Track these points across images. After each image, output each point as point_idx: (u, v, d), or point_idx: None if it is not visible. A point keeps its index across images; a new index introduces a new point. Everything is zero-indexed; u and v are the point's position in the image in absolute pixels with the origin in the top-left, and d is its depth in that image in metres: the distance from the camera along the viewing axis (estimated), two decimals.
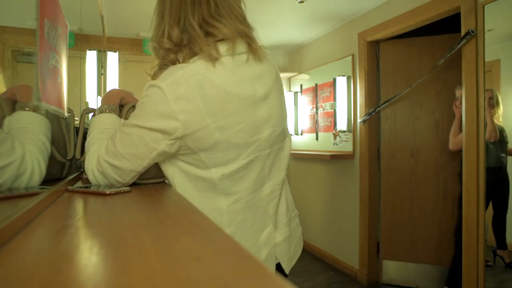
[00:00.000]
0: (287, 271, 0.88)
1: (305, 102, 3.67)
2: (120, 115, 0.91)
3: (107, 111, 0.88)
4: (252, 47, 0.80)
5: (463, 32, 1.95)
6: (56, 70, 0.77)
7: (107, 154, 0.76)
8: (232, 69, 0.76)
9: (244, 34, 0.79)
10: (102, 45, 2.82)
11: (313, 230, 3.46)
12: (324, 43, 3.32)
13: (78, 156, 0.91)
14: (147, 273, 0.27)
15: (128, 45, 3.24)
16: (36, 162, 0.65)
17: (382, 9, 2.58)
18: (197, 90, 0.70)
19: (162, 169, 0.83)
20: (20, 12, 0.90)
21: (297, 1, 2.50)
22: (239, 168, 0.78)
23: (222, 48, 0.75)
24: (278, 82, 0.87)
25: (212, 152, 0.74)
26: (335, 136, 3.15)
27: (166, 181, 0.88)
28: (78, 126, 0.97)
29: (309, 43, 3.55)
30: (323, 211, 3.34)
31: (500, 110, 1.95)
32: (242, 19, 0.80)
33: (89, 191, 0.69)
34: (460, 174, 2.37)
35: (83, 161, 0.84)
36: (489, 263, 1.99)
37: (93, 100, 2.30)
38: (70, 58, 0.95)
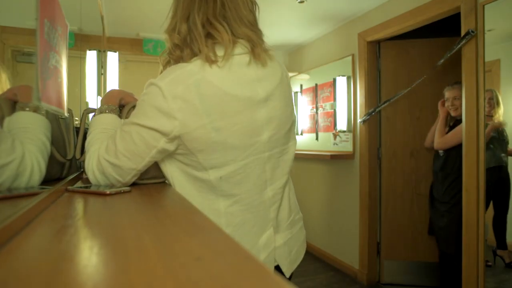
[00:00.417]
0: (287, 275, 0.86)
1: (305, 102, 3.67)
2: (120, 116, 0.91)
3: (107, 111, 0.88)
4: (255, 51, 0.78)
5: (463, 32, 1.95)
6: (56, 70, 0.76)
7: (107, 153, 0.76)
8: (232, 71, 0.75)
9: (248, 38, 0.78)
10: (102, 45, 2.82)
11: (313, 230, 3.46)
12: (324, 43, 3.32)
13: (78, 156, 0.91)
14: (147, 273, 0.27)
15: (128, 45, 3.24)
16: (36, 162, 0.65)
17: (382, 9, 2.58)
18: (195, 89, 0.70)
19: (162, 169, 0.83)
20: (20, 12, 0.90)
21: (297, 1, 2.50)
22: (236, 170, 0.77)
23: (220, 52, 0.75)
24: (283, 85, 0.86)
25: (209, 153, 0.74)
26: (335, 136, 3.15)
27: (166, 181, 0.88)
28: (78, 126, 0.97)
29: (309, 43, 3.55)
30: (323, 211, 3.34)
31: (501, 110, 1.95)
32: (248, 23, 0.79)
33: (89, 191, 0.69)
34: (435, 172, 2.38)
35: (83, 161, 0.84)
36: (489, 263, 1.99)
37: (93, 100, 2.30)
38: (70, 58, 0.95)
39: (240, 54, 0.77)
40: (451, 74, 2.48)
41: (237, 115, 0.74)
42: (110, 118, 0.87)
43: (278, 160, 0.85)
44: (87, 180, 0.85)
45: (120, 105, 0.93)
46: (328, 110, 3.25)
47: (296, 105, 3.77)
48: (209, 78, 0.72)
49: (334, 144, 3.17)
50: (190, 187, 0.79)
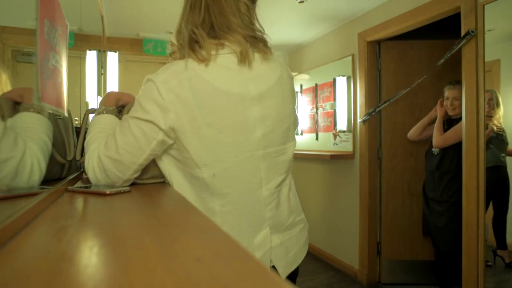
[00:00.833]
0: (283, 276, 0.84)
1: (305, 102, 3.67)
2: (120, 116, 0.91)
3: (104, 112, 0.89)
4: (243, 52, 0.79)
5: (463, 32, 1.95)
6: (56, 70, 0.77)
7: (108, 149, 0.77)
8: (222, 69, 0.78)
9: (237, 41, 0.79)
10: (102, 45, 2.82)
11: (313, 230, 3.46)
12: (324, 43, 3.32)
13: (78, 157, 0.90)
14: (147, 273, 0.27)
15: (128, 45, 3.24)
16: (36, 160, 0.65)
17: (382, 9, 2.58)
18: (187, 84, 0.73)
19: (160, 168, 0.84)
20: (20, 12, 0.90)
21: (297, 1, 2.50)
22: (229, 167, 0.78)
23: (206, 54, 0.77)
24: (282, 84, 0.87)
25: (201, 148, 0.75)
26: (335, 136, 3.15)
27: (165, 181, 0.88)
28: (78, 126, 0.97)
29: (309, 43, 3.55)
30: (323, 211, 3.34)
31: (501, 111, 1.94)
32: (237, 27, 0.80)
33: (89, 191, 0.69)
34: (429, 171, 2.38)
35: (83, 162, 0.84)
36: (489, 263, 1.99)
37: (93, 100, 2.30)
38: (70, 58, 0.95)
39: (226, 54, 0.79)
40: (451, 74, 2.47)
41: (228, 110, 0.77)
42: (108, 118, 0.88)
43: (274, 160, 0.85)
44: (87, 180, 0.85)
45: (120, 106, 0.93)
46: (328, 110, 3.25)
47: (296, 105, 3.77)
48: (200, 73, 0.75)
49: (334, 144, 3.17)
50: (187, 185, 0.80)
